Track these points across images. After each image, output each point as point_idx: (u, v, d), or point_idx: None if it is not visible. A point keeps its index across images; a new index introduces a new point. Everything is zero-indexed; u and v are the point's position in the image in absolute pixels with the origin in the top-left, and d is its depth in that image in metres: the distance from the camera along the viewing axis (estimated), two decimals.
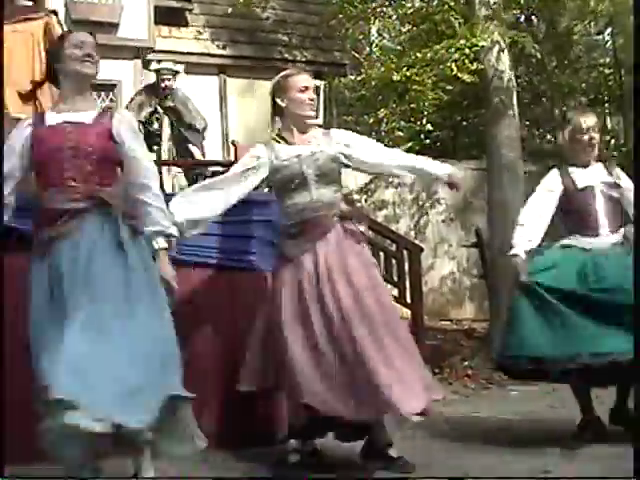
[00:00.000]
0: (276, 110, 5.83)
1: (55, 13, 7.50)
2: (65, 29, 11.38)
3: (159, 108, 10.11)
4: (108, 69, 11.92)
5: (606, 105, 23.26)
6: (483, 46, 12.37)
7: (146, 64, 12.69)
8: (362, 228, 5.69)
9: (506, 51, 12.83)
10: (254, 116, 14.04)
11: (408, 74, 12.82)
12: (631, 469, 4.92)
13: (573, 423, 6.81)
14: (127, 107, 10.38)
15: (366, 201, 16.30)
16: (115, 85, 12.26)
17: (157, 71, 10.31)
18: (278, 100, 5.72)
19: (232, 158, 12.68)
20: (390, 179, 16.55)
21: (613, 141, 22.98)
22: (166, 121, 10.06)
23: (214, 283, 6.63)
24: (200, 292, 6.59)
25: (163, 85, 10.13)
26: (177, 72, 10.29)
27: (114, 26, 12.21)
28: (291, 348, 5.21)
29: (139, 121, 9.54)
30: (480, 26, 12.37)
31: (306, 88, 5.64)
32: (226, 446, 5.97)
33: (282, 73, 5.73)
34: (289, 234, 5.54)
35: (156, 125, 9.99)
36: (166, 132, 10.08)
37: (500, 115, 12.66)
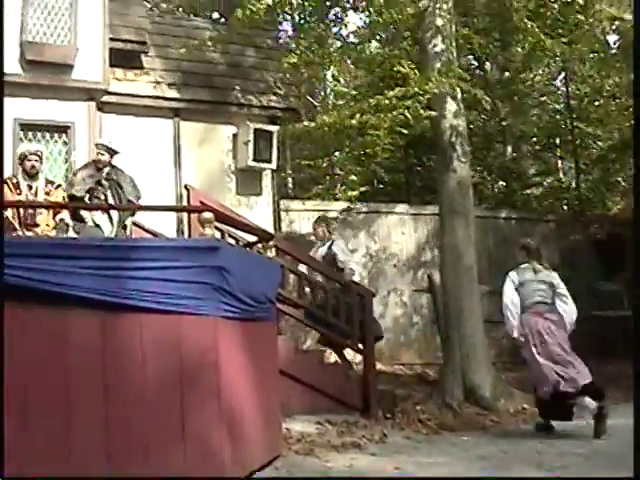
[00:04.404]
0: None
1: None
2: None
3: (103, 181, 10.76)
4: (62, 111, 11.96)
5: (557, 150, 23.53)
6: (435, 94, 12.50)
7: (100, 106, 12.69)
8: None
9: (458, 98, 12.98)
10: (208, 160, 14.06)
11: (363, 119, 12.91)
12: None
13: (528, 465, 6.90)
14: (72, 182, 10.79)
15: None
16: (69, 127, 12.18)
17: (95, 145, 11.20)
18: None
19: (185, 202, 12.74)
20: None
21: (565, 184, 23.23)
22: (109, 193, 10.70)
23: (161, 328, 6.62)
24: (148, 337, 6.58)
25: (97, 159, 10.89)
26: (115, 152, 11.01)
27: (69, 67, 12.14)
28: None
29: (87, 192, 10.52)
30: (433, 76, 12.49)
31: None
32: None
33: None
34: None
35: (102, 197, 10.60)
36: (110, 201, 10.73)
37: (451, 161, 12.78)
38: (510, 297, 10.31)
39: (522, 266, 10.54)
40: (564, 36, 15.17)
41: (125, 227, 10.69)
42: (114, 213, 10.58)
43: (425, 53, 13.18)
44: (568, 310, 10.24)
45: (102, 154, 10.84)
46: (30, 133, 12.03)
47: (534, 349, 10.06)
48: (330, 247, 12.09)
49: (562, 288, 10.37)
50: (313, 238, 12.68)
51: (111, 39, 12.76)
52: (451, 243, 12.66)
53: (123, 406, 6.47)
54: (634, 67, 8.33)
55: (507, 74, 21.68)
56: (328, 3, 17.36)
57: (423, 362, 15.81)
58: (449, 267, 12.59)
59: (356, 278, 14.33)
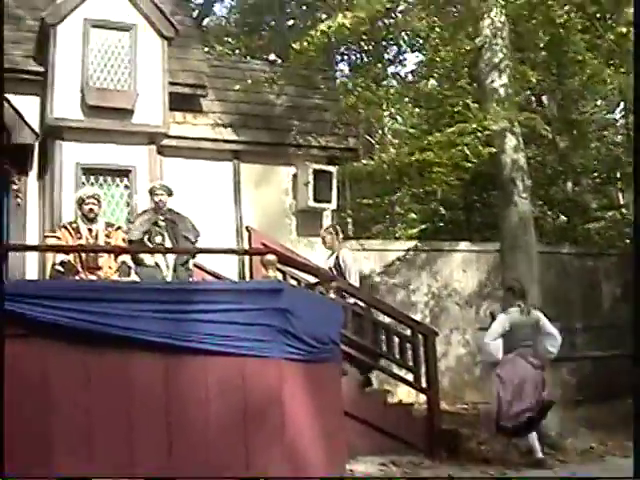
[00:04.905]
0: None
1: None
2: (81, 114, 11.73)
3: (160, 222, 10.81)
4: (123, 155, 12.09)
5: (619, 182, 23.24)
6: (494, 130, 12.44)
7: (160, 150, 12.81)
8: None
9: (517, 133, 12.88)
10: (268, 201, 14.11)
11: (424, 157, 12.90)
12: None
13: None
14: (130, 229, 10.86)
15: (386, 284, 16.19)
16: (130, 171, 12.31)
17: (151, 189, 11.12)
18: None
19: (246, 244, 12.78)
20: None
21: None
22: (166, 235, 10.76)
23: (226, 371, 6.63)
24: (212, 380, 6.58)
25: (157, 199, 10.90)
26: (172, 192, 11.06)
27: (129, 112, 12.30)
28: None
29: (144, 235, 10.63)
30: (492, 110, 12.45)
31: None
32: None
33: None
34: None
35: (159, 239, 10.68)
36: (167, 243, 10.78)
37: (512, 196, 12.65)
38: (492, 336, 10.94)
39: (511, 309, 11.05)
40: (621, 66, 15.06)
41: (188, 268, 10.74)
42: (170, 257, 10.66)
43: (483, 89, 13.13)
44: (553, 343, 10.89)
45: (162, 194, 10.92)
46: (92, 177, 12.19)
47: (503, 393, 10.70)
48: (337, 257, 12.01)
49: (545, 322, 10.96)
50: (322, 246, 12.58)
51: (170, 83, 12.91)
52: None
53: (188, 448, 6.47)
54: (634, 68, 8.23)
55: (565, 107, 21.54)
56: (384, 43, 17.46)
57: (487, 401, 15.60)
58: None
59: (418, 317, 14.28)
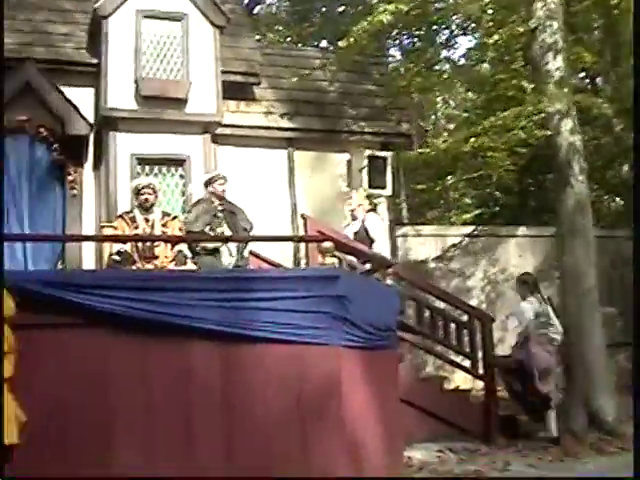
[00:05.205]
0: None
1: None
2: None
3: (219, 213, 10.64)
4: (177, 144, 12.14)
5: None
6: (549, 113, 12.30)
7: (214, 139, 12.84)
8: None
9: (573, 115, 12.70)
10: (322, 188, 14.08)
11: (478, 143, 12.81)
12: None
13: None
14: (188, 220, 10.69)
15: (441, 270, 16.09)
16: (184, 160, 12.36)
17: (210, 179, 10.90)
18: None
19: (302, 231, 12.77)
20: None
21: None
22: (225, 224, 10.61)
23: (285, 359, 6.63)
24: (272, 367, 6.59)
25: (221, 189, 10.72)
26: (225, 179, 10.89)
27: (183, 102, 12.34)
28: None
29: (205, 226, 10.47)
30: (549, 92, 12.32)
31: None
32: None
33: None
34: None
35: (219, 229, 10.52)
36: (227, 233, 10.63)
37: (568, 179, 12.47)
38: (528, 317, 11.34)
39: (530, 299, 11.45)
40: None
41: (244, 256, 10.72)
42: (233, 244, 10.62)
43: (538, 70, 12.96)
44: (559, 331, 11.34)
45: (223, 183, 10.78)
46: (147, 167, 12.25)
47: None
48: (363, 222, 11.91)
49: (552, 313, 11.43)
50: (348, 212, 12.45)
51: (223, 72, 12.93)
52: (571, 265, 12.34)
53: (247, 437, 6.49)
54: (634, 68, 8.08)
55: (620, 89, 21.22)
56: (435, 27, 17.32)
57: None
58: (569, 290, 12.27)
59: (474, 303, 14.17)
